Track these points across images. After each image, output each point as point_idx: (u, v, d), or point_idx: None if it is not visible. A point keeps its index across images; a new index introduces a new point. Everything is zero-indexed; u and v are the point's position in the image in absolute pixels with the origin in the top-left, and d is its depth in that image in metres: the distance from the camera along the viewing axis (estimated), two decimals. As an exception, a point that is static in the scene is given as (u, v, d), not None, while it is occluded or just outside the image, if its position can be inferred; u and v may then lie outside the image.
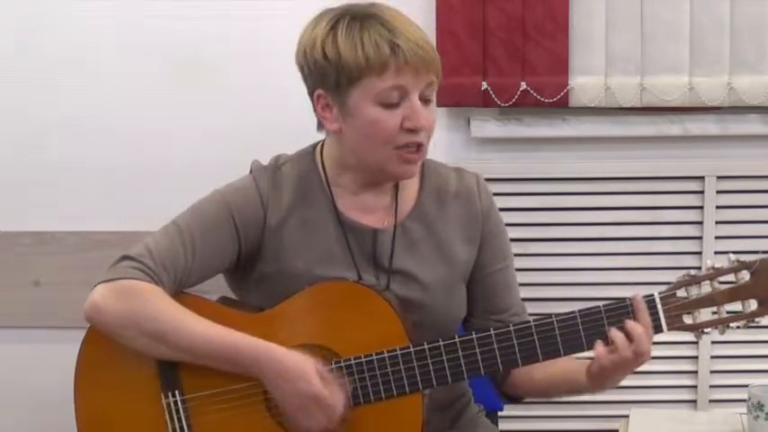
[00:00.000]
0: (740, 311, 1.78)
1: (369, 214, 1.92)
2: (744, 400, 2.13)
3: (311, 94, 1.87)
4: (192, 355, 1.79)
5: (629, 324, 1.76)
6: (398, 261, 1.91)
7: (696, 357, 2.66)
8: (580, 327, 1.79)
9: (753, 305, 1.78)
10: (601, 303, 1.80)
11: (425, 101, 1.84)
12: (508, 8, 2.49)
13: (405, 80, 1.80)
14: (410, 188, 1.95)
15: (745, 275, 1.78)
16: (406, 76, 1.79)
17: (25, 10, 2.62)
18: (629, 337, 1.76)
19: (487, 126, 2.59)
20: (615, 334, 1.76)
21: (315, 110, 1.88)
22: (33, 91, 2.64)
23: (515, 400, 2.03)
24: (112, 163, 2.65)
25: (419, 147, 1.84)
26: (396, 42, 1.78)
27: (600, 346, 1.77)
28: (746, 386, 2.14)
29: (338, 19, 1.82)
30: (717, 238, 2.61)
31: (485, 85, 2.51)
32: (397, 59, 1.78)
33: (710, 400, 2.67)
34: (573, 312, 1.80)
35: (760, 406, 2.08)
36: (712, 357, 2.65)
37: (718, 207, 2.60)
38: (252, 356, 1.77)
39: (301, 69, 1.87)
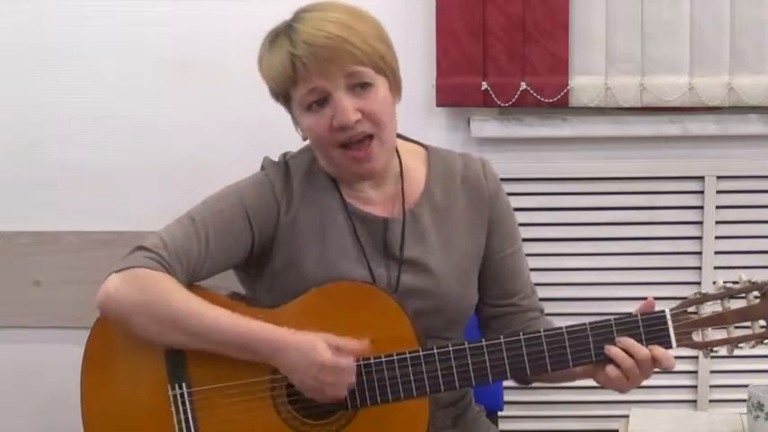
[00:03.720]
0: (749, 332, 1.79)
1: (377, 204, 1.94)
2: (744, 400, 2.13)
3: None
4: (206, 341, 1.79)
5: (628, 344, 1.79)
6: (409, 250, 1.92)
7: (696, 357, 2.66)
8: (590, 338, 1.79)
9: (762, 327, 1.79)
10: (612, 317, 1.81)
11: (361, 87, 1.84)
12: (508, 8, 2.49)
13: (315, 82, 1.83)
14: (416, 175, 1.96)
15: (755, 297, 1.78)
16: (315, 78, 1.82)
17: (25, 10, 2.62)
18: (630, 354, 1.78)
19: (487, 126, 2.59)
20: (616, 353, 1.78)
21: None
22: (33, 91, 2.64)
23: (524, 382, 2.03)
24: (112, 163, 2.65)
25: (370, 137, 1.85)
26: (293, 52, 1.82)
27: (610, 368, 1.78)
28: (746, 386, 2.14)
29: (268, 38, 1.90)
30: (717, 238, 2.61)
31: (485, 85, 2.51)
32: (298, 69, 1.82)
33: (710, 400, 2.67)
34: (583, 324, 1.80)
35: (760, 406, 2.08)
36: (712, 357, 2.65)
37: (718, 207, 2.60)
38: (265, 340, 1.78)
39: None
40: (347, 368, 1.77)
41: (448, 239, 1.94)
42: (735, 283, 1.80)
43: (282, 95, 1.88)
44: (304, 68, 1.81)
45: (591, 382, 1.94)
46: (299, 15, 1.87)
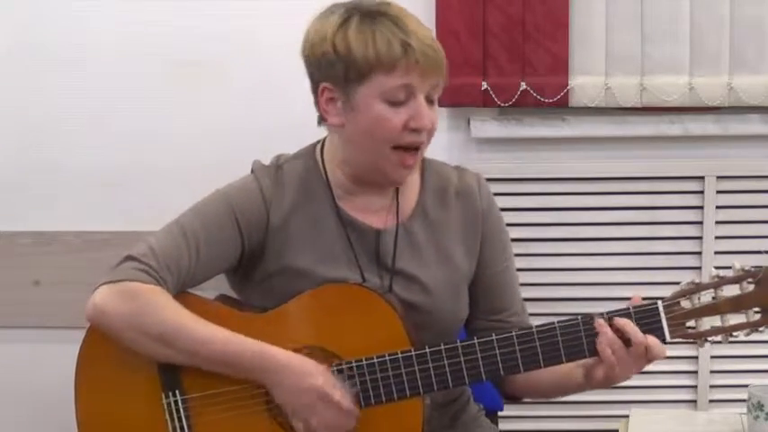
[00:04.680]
0: (743, 320, 1.78)
1: (371, 214, 1.92)
2: (744, 400, 2.13)
3: (316, 86, 1.86)
4: (195, 358, 1.78)
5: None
6: (401, 262, 1.90)
7: (696, 357, 2.66)
8: (582, 332, 1.78)
9: (756, 314, 1.77)
10: (605, 311, 1.80)
11: (429, 101, 1.84)
12: (508, 8, 2.49)
13: (412, 80, 1.80)
14: (411, 188, 1.95)
15: (749, 285, 1.77)
16: (415, 75, 1.79)
17: (25, 10, 2.62)
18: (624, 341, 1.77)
19: (487, 126, 2.59)
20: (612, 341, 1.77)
21: (317, 103, 1.87)
22: (33, 91, 2.64)
23: (514, 399, 2.02)
24: (112, 163, 2.65)
25: (417, 149, 1.84)
26: (407, 42, 1.78)
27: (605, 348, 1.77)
28: (746, 386, 2.14)
29: (350, 14, 1.82)
30: (717, 238, 2.61)
31: (485, 85, 2.51)
32: (407, 59, 1.78)
33: (710, 400, 2.67)
34: (575, 318, 1.79)
35: (760, 406, 2.08)
36: (712, 357, 2.65)
37: (718, 207, 2.60)
38: (256, 360, 1.77)
39: (307, 61, 1.86)
40: (343, 402, 1.76)
41: (441, 253, 1.93)
42: (727, 268, 1.79)
43: (359, 74, 1.79)
44: (414, 62, 1.78)
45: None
46: (380, 9, 1.82)
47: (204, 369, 1.79)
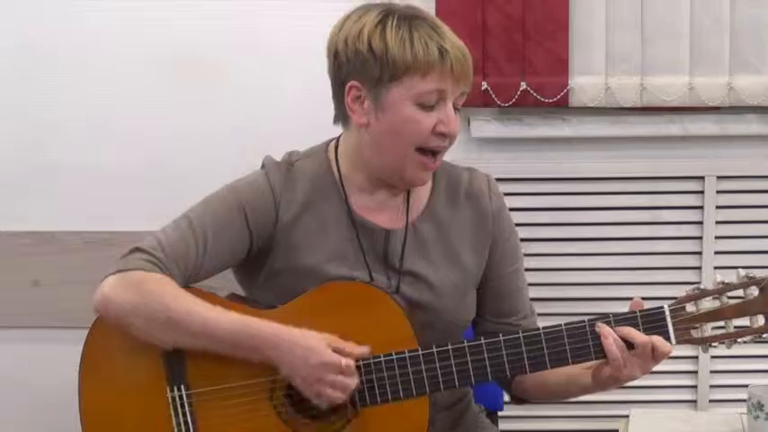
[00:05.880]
0: (747, 326, 1.78)
1: (381, 214, 1.92)
2: (744, 400, 2.13)
3: (342, 83, 1.85)
4: (206, 339, 1.78)
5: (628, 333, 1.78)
6: (409, 262, 1.91)
7: (696, 357, 2.66)
8: (589, 335, 1.78)
9: (760, 321, 1.78)
10: (611, 313, 1.80)
11: (455, 108, 1.85)
12: (508, 8, 2.49)
13: (445, 85, 1.81)
14: (422, 188, 1.95)
15: (753, 291, 1.78)
16: (448, 81, 1.81)
17: (25, 10, 2.62)
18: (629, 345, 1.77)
19: (487, 126, 2.59)
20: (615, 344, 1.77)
21: (342, 100, 1.86)
22: (33, 91, 2.64)
23: (522, 401, 2.02)
24: (112, 163, 2.65)
25: (437, 153, 1.85)
26: (444, 47, 1.80)
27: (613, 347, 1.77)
28: (746, 386, 2.14)
29: (386, 14, 1.82)
30: (717, 237, 2.61)
31: (485, 85, 2.51)
32: (443, 64, 1.79)
33: (710, 400, 2.67)
34: (582, 321, 1.79)
35: (760, 406, 2.08)
36: (712, 357, 2.65)
37: (718, 207, 2.60)
38: (264, 337, 1.77)
39: (335, 57, 1.85)
40: (348, 369, 1.76)
41: (449, 254, 1.93)
42: (727, 268, 1.80)
43: (393, 74, 1.79)
44: (449, 68, 1.79)
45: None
46: (416, 13, 1.84)
47: (214, 355, 1.79)
